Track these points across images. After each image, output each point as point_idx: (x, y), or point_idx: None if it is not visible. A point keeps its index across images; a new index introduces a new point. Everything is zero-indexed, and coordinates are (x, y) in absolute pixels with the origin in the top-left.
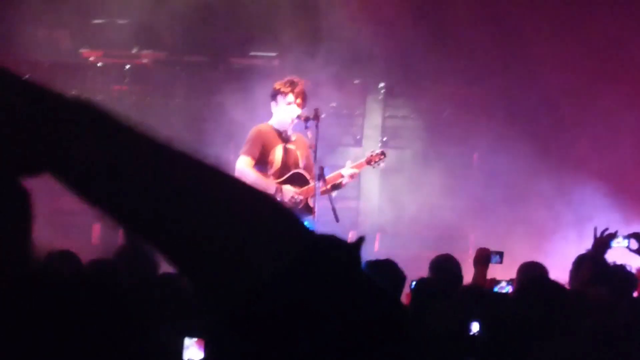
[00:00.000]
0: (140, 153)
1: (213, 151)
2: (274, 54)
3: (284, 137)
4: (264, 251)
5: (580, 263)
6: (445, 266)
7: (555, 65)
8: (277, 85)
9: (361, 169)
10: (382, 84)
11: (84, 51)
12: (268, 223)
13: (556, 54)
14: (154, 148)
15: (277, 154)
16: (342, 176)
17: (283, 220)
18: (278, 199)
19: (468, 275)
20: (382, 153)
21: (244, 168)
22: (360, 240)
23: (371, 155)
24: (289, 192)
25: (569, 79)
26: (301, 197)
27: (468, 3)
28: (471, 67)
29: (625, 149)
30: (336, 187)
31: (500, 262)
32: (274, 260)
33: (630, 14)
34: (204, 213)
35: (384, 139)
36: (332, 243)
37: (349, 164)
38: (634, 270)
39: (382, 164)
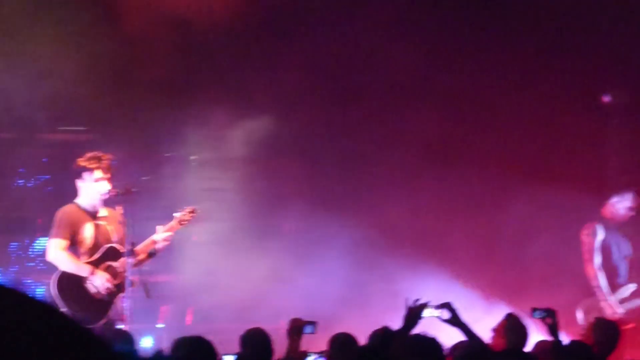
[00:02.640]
0: None
1: (21, 229)
2: (83, 128)
3: (92, 214)
4: None
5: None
6: (255, 340)
7: (351, 131)
8: (81, 162)
9: (174, 231)
10: (194, 157)
11: None
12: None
13: (351, 118)
14: None
15: (87, 232)
16: (155, 242)
17: (74, 343)
18: (90, 281)
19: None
20: (193, 211)
21: (56, 252)
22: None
23: (182, 215)
24: (102, 277)
25: (371, 145)
26: (110, 286)
27: (268, 75)
28: (278, 137)
29: (430, 214)
30: (152, 254)
31: (314, 332)
32: None
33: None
34: None
35: (199, 213)
36: None
37: (160, 229)
38: None
39: (192, 222)
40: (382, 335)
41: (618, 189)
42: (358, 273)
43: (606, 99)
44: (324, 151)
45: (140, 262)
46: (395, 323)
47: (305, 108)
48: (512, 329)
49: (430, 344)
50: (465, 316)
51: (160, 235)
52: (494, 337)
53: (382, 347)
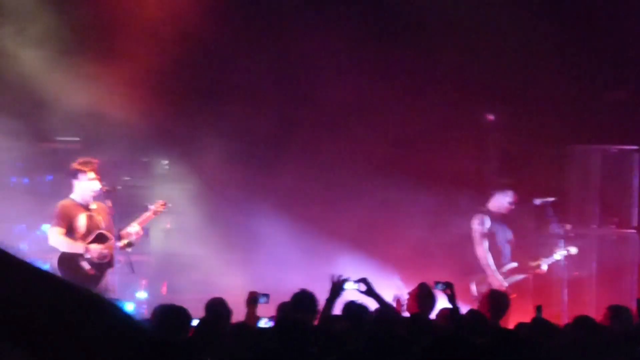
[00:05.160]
0: None
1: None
2: (77, 139)
3: (85, 207)
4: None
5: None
6: (217, 307)
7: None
8: (76, 165)
9: (149, 220)
10: (165, 161)
11: None
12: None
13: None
14: None
15: (81, 221)
16: (129, 235)
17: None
18: (88, 255)
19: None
20: (164, 203)
21: (56, 237)
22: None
23: (156, 207)
24: (96, 249)
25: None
26: (107, 252)
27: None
28: (234, 145)
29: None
30: (129, 244)
31: (267, 302)
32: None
33: None
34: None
35: (169, 205)
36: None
37: (134, 225)
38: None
39: (163, 212)
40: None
41: (499, 188)
42: (300, 257)
43: (490, 117)
44: (279, 157)
45: (122, 248)
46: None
47: (265, 122)
48: (423, 294)
49: (358, 307)
50: (378, 289)
51: (134, 228)
52: (408, 301)
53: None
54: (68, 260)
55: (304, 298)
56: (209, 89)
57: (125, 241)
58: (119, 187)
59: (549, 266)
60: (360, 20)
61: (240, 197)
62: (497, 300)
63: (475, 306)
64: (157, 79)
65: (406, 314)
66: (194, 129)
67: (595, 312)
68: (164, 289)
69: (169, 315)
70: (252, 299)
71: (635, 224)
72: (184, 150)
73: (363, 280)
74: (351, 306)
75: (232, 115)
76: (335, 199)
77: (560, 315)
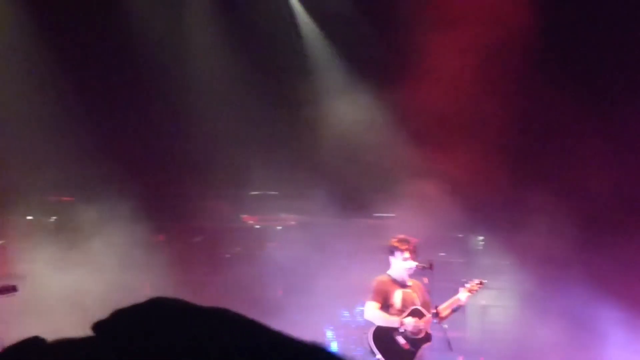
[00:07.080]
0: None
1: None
2: (392, 215)
3: (400, 284)
4: None
5: None
6: None
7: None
8: (394, 243)
9: (465, 298)
10: (480, 237)
11: (243, 217)
12: None
13: None
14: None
15: (397, 297)
16: (460, 300)
17: None
18: (402, 329)
19: None
20: (481, 282)
21: (372, 312)
22: None
23: (471, 286)
24: (411, 323)
25: None
26: (422, 326)
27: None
28: (551, 221)
29: None
30: (455, 310)
31: None
32: None
33: None
34: None
35: (485, 283)
36: None
37: (462, 291)
38: None
39: (479, 291)
40: None
41: None
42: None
43: None
44: (606, 233)
45: (443, 318)
46: None
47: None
48: None
49: None
50: None
51: (463, 295)
52: None
53: None
54: (383, 334)
55: None
56: (526, 164)
57: (447, 312)
58: (434, 264)
59: None
60: None
61: (561, 274)
62: None
63: None
64: (475, 161)
65: None
66: (510, 204)
67: None
68: None
69: None
70: None
71: None
72: (500, 226)
73: None
74: None
75: (551, 191)
76: None
77: None
